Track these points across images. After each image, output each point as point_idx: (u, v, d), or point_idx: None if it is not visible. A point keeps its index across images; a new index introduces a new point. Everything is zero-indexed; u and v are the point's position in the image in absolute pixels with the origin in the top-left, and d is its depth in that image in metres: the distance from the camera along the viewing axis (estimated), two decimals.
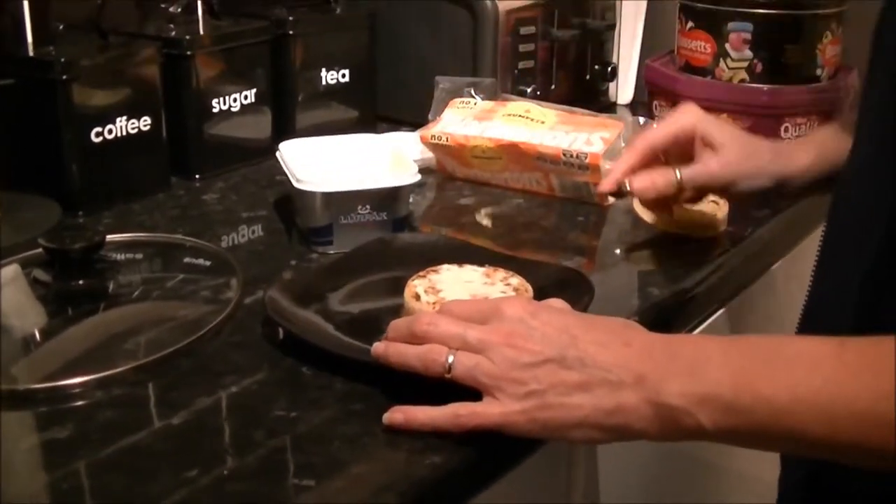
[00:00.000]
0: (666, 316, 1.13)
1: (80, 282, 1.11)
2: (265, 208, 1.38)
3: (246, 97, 1.52)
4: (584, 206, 1.37)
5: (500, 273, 1.03)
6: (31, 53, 1.35)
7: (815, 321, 1.01)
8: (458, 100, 1.50)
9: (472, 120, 1.44)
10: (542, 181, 1.40)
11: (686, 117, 1.18)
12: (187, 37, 1.45)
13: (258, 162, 1.54)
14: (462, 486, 0.87)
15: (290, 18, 1.57)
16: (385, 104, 1.72)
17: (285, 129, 1.58)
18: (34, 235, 1.19)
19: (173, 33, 1.46)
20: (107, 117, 1.35)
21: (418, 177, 1.22)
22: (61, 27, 1.41)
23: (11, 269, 1.16)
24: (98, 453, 0.84)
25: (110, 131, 1.35)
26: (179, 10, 1.50)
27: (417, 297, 0.99)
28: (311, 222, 1.21)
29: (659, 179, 1.17)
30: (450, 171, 1.48)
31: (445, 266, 1.05)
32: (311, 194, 1.19)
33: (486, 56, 1.61)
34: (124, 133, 1.37)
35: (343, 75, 1.63)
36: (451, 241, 1.23)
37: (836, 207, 0.99)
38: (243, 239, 1.31)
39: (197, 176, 1.49)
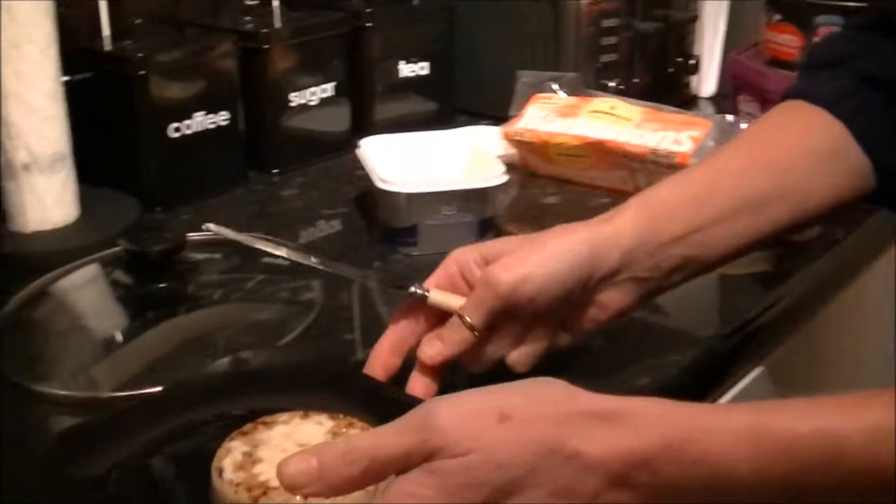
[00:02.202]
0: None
1: (161, 284, 1.09)
2: (345, 205, 1.35)
3: (324, 90, 1.49)
4: None
5: (355, 430, 0.79)
6: (108, 48, 1.33)
7: None
8: (540, 95, 1.46)
9: (556, 116, 1.40)
10: (627, 180, 1.36)
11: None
12: (264, 29, 1.43)
13: (336, 156, 1.51)
14: None
15: (367, 10, 1.54)
16: (464, 97, 1.68)
17: (363, 122, 1.56)
18: (113, 233, 1.18)
19: (250, 26, 1.44)
20: (184, 112, 1.33)
21: (506, 177, 1.19)
22: (137, 21, 1.38)
23: (90, 271, 1.14)
24: None
25: (188, 126, 1.33)
26: (255, 1, 1.47)
27: (220, 473, 0.75)
28: (396, 222, 1.18)
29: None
30: (532, 168, 1.44)
31: (284, 416, 0.80)
32: (396, 195, 1.16)
33: (567, 49, 1.57)
34: (202, 128, 1.35)
35: (422, 67, 1.60)
36: (323, 364, 0.95)
37: None
38: (324, 237, 1.28)
39: (274, 171, 1.47)
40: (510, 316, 0.86)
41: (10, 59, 1.15)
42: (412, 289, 0.88)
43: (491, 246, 0.89)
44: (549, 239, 0.87)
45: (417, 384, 0.88)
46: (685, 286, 0.92)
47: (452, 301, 0.87)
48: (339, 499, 0.70)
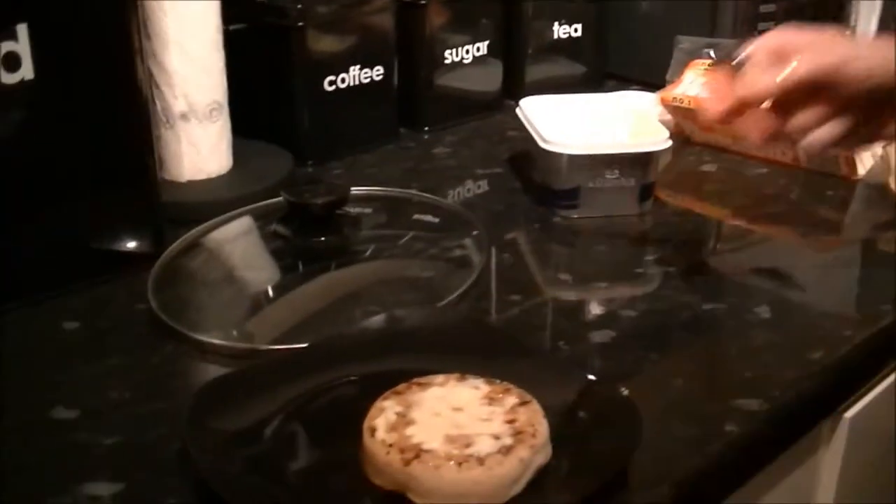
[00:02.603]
0: None
1: (321, 238, 1.08)
2: (499, 165, 1.34)
3: (478, 49, 1.47)
4: (830, 179, 1.29)
5: (511, 397, 0.76)
6: None
7: None
8: (698, 61, 1.43)
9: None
10: (787, 151, 1.33)
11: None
12: None
13: (486, 116, 1.50)
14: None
15: None
16: (613, 61, 1.65)
17: (514, 83, 1.54)
18: (267, 185, 1.18)
19: None
20: (340, 66, 1.32)
21: (670, 143, 1.16)
22: None
23: (245, 222, 1.14)
24: None
25: (343, 80, 1.33)
26: None
27: (373, 432, 0.73)
28: (556, 184, 1.16)
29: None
30: (687, 135, 1.41)
31: (440, 378, 0.79)
32: (558, 156, 1.14)
33: (725, 16, 1.54)
34: (357, 82, 1.34)
35: (575, 30, 1.57)
36: (479, 327, 0.94)
37: None
38: (479, 196, 1.27)
39: (426, 128, 1.46)
40: (825, 95, 0.88)
41: (174, 7, 1.15)
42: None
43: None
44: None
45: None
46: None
47: None
48: (496, 467, 0.69)
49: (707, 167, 1.34)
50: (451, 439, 0.71)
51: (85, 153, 1.00)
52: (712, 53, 1.46)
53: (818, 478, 1.01)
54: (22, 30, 0.92)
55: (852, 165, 1.27)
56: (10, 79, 0.92)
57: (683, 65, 1.44)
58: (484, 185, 1.29)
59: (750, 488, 0.85)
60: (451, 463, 0.69)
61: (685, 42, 1.48)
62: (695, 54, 1.46)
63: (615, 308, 0.99)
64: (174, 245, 1.07)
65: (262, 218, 1.14)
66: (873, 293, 1.03)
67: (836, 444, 1.00)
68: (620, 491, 0.72)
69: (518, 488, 0.70)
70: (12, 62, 0.92)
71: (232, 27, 1.26)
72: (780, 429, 0.85)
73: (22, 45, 0.92)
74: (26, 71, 0.93)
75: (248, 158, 1.26)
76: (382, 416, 0.74)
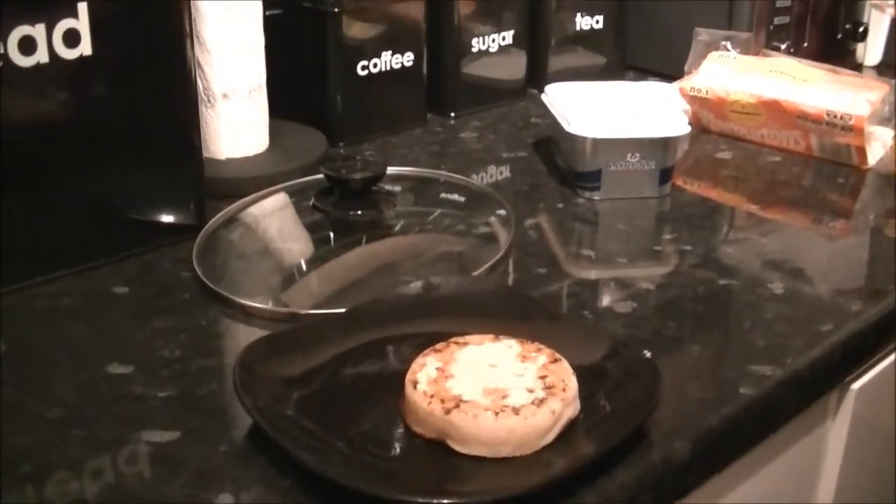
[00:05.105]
0: None
1: (357, 211, 1.13)
2: (524, 149, 1.39)
3: (504, 38, 1.52)
4: (841, 168, 1.34)
5: (542, 356, 0.81)
6: None
7: None
8: (716, 53, 1.48)
9: (733, 74, 1.42)
10: (800, 140, 1.38)
11: None
12: None
13: (510, 104, 1.56)
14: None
15: None
16: (632, 53, 1.70)
17: (538, 72, 1.60)
18: (302, 164, 1.23)
19: None
20: (373, 51, 1.38)
21: (689, 128, 1.21)
22: None
23: (284, 197, 1.19)
24: None
25: (375, 65, 1.38)
26: None
27: (415, 385, 0.78)
28: (579, 167, 1.21)
29: None
30: (704, 124, 1.46)
31: (476, 338, 0.84)
32: (582, 139, 1.19)
33: (743, 10, 1.59)
34: (388, 68, 1.39)
35: (597, 21, 1.62)
36: (511, 293, 0.99)
37: None
38: (505, 178, 1.32)
39: (452, 113, 1.51)
40: None
41: None
42: None
43: None
44: None
45: None
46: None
47: None
48: (530, 417, 0.75)
49: (723, 154, 1.39)
50: (488, 392, 0.77)
51: (135, 129, 1.05)
52: (730, 46, 1.51)
53: (826, 444, 1.07)
54: (82, 8, 0.97)
55: (863, 155, 1.32)
56: (70, 54, 0.98)
57: (702, 56, 1.49)
58: (509, 168, 1.34)
59: (762, 450, 0.91)
60: (489, 412, 0.74)
61: (703, 34, 1.53)
62: (712, 46, 1.51)
63: (635, 281, 1.04)
64: (215, 218, 1.12)
65: (297, 194, 1.20)
66: (880, 274, 1.08)
67: (843, 413, 1.06)
68: (642, 444, 0.78)
69: (549, 438, 0.76)
70: (72, 39, 0.98)
71: (273, 11, 1.31)
72: (792, 394, 0.90)
73: (82, 22, 0.98)
74: (84, 47, 0.99)
75: (284, 138, 1.32)
76: (424, 371, 0.79)
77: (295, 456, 0.73)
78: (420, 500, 0.69)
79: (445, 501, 0.70)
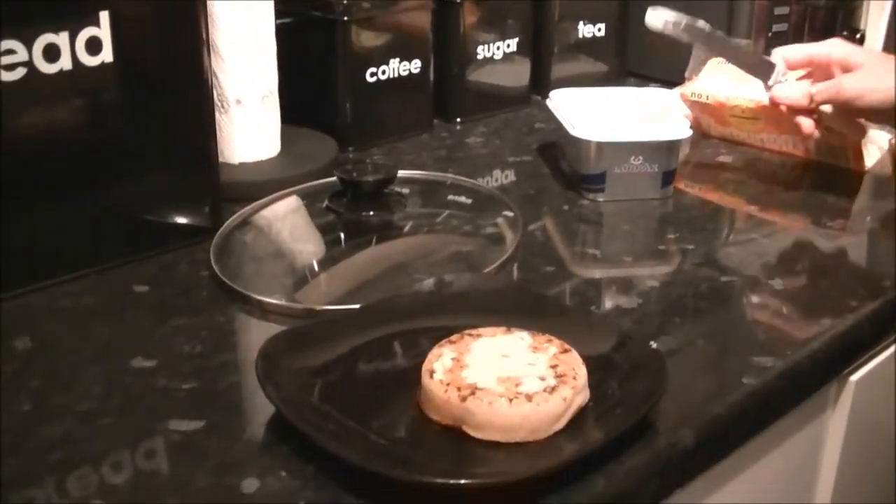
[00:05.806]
0: None
1: (370, 213, 1.16)
2: (529, 154, 1.42)
3: (508, 46, 1.56)
4: (839, 171, 1.37)
5: (553, 346, 0.84)
6: None
7: None
8: (716, 59, 1.51)
9: (732, 80, 1.45)
10: (797, 144, 1.41)
11: (825, 45, 1.24)
12: None
13: (514, 110, 1.59)
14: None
15: None
16: (634, 60, 1.74)
17: (541, 78, 1.63)
18: (313, 168, 1.26)
19: None
20: (381, 59, 1.41)
21: (690, 132, 1.25)
22: None
23: (293, 201, 1.22)
24: None
25: (383, 72, 1.41)
26: None
27: (431, 374, 0.82)
28: (585, 169, 1.24)
29: (793, 88, 1.24)
30: (704, 129, 1.49)
31: (489, 330, 0.87)
32: (587, 143, 1.22)
33: (741, 17, 1.62)
34: (396, 75, 1.43)
35: (599, 29, 1.66)
36: (521, 290, 1.03)
37: None
38: (512, 181, 1.35)
39: (458, 119, 1.55)
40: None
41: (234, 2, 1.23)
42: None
43: (851, 53, 1.21)
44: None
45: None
46: None
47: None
48: (543, 404, 0.77)
49: (723, 158, 1.42)
50: (501, 380, 0.80)
51: (153, 134, 1.08)
52: None
53: (826, 434, 1.10)
54: (104, 17, 1.01)
55: (860, 158, 1.35)
56: (92, 61, 1.01)
57: (702, 63, 1.51)
58: (514, 172, 1.38)
59: (764, 439, 0.94)
60: (503, 399, 0.77)
61: None
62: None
63: (640, 280, 1.07)
64: (230, 220, 1.15)
65: (308, 197, 1.23)
66: (877, 272, 1.11)
67: (842, 404, 1.09)
68: (648, 432, 0.81)
69: (560, 425, 0.79)
70: (94, 46, 1.01)
71: (285, 20, 1.34)
72: (792, 385, 0.93)
73: (104, 30, 1.01)
74: (106, 54, 1.02)
75: (295, 143, 1.35)
76: (440, 361, 0.82)
77: (318, 442, 0.76)
78: (439, 480, 0.72)
79: (463, 481, 0.73)
